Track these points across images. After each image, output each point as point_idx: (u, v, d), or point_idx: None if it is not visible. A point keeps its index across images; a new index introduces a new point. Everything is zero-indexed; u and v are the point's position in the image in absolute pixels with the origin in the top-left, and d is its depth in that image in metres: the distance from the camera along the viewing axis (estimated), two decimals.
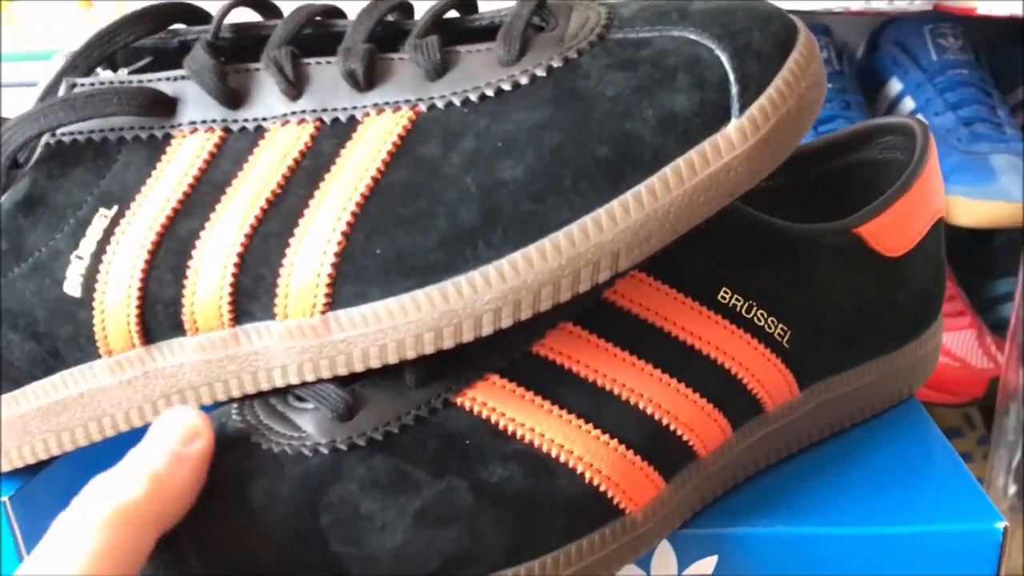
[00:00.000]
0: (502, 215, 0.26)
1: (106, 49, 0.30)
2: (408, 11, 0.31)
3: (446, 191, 0.26)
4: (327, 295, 0.26)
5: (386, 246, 0.26)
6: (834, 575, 0.32)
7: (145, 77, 0.28)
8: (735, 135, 0.26)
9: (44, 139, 0.29)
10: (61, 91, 0.29)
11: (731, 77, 0.26)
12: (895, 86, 0.81)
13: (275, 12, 0.32)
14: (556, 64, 0.27)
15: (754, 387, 0.32)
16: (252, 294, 0.27)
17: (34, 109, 0.28)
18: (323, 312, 0.26)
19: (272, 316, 0.27)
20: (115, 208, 0.28)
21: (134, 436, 0.31)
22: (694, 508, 0.32)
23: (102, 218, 0.28)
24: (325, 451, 0.27)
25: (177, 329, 0.28)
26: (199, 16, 0.32)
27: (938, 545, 0.31)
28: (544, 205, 0.26)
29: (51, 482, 0.35)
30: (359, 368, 0.27)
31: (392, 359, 0.27)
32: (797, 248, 0.33)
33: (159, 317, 0.28)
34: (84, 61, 0.30)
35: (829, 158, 0.40)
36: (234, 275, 0.27)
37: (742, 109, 0.26)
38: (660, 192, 0.26)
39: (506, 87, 0.27)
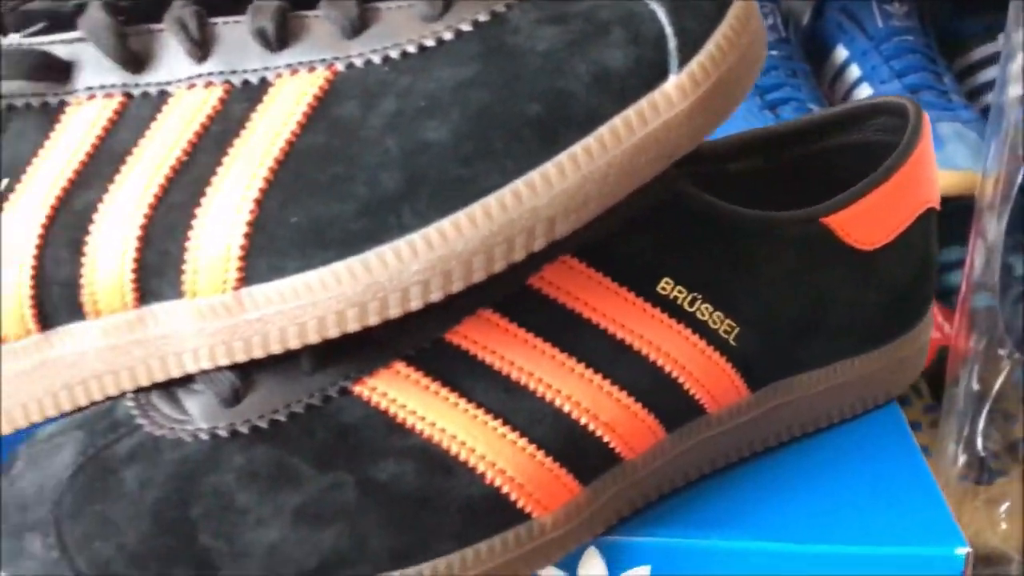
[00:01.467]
0: (427, 180, 0.24)
1: None
2: None
3: (366, 155, 0.24)
4: (239, 269, 0.25)
5: (302, 215, 0.24)
6: None
7: (36, 40, 0.27)
8: (674, 92, 0.25)
9: None
10: None
11: (668, 32, 0.25)
12: (841, 53, 0.79)
13: None
14: (483, 18, 0.25)
15: (692, 387, 0.29)
16: (158, 271, 0.26)
17: None
18: (235, 288, 0.25)
19: (180, 295, 0.25)
20: (4, 182, 0.26)
21: (24, 434, 0.29)
22: (620, 514, 0.29)
23: None
24: (205, 437, 0.26)
25: (76, 313, 0.26)
26: None
27: (889, 567, 0.29)
28: (472, 169, 0.24)
29: None
30: (276, 349, 0.25)
31: (313, 338, 0.25)
32: (754, 237, 0.30)
33: (55, 299, 0.26)
34: None
35: (813, 139, 0.37)
36: (137, 250, 0.25)
37: (681, 65, 0.25)
38: (597, 153, 0.24)
39: (429, 43, 0.25)
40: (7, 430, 0.29)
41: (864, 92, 0.77)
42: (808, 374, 0.32)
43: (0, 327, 0.27)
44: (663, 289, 0.29)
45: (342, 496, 0.25)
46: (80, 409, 0.28)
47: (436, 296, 0.25)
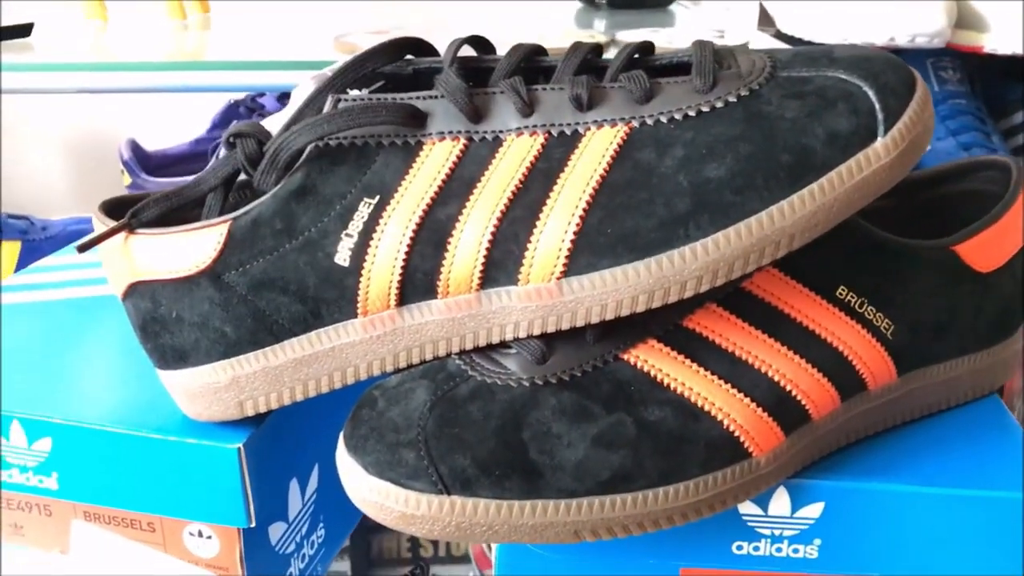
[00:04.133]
0: (708, 204, 0.34)
1: (359, 72, 0.39)
2: (598, 51, 0.40)
3: (663, 186, 0.34)
4: (564, 264, 0.35)
5: (615, 227, 0.34)
6: (918, 527, 0.39)
7: (400, 95, 0.37)
8: (881, 149, 0.35)
9: (314, 143, 0.37)
10: (328, 105, 0.38)
11: (877, 107, 0.35)
12: None
13: (490, 48, 0.41)
14: (743, 93, 0.35)
15: (861, 368, 0.39)
16: (500, 264, 0.35)
17: (312, 119, 0.37)
18: (559, 278, 0.35)
19: (515, 282, 0.35)
20: (377, 198, 0.36)
21: (359, 387, 0.39)
22: (805, 462, 0.39)
23: (366, 205, 0.36)
24: (526, 384, 0.35)
25: (429, 293, 0.36)
26: (426, 50, 0.41)
27: (1005, 509, 0.38)
28: (741, 197, 0.34)
29: (277, 431, 0.42)
30: (580, 323, 0.35)
31: (609, 316, 0.35)
32: (902, 258, 0.40)
33: (416, 283, 0.36)
34: (341, 81, 0.39)
35: (933, 186, 0.47)
36: (487, 249, 0.35)
37: (886, 131, 0.35)
38: (828, 190, 0.34)
39: (705, 109, 0.35)
40: (350, 382, 0.39)
41: None
42: (939, 365, 0.42)
43: (368, 303, 0.37)
44: (840, 293, 0.38)
45: (625, 430, 0.35)
46: (412, 366, 0.38)
47: (704, 288, 0.35)
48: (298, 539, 0.48)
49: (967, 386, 0.43)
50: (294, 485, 0.47)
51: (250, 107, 0.88)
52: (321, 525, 0.50)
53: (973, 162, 0.47)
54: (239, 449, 0.40)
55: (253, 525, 0.42)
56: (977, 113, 0.87)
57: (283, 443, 0.44)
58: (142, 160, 0.88)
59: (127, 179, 0.87)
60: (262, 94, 0.89)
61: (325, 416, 0.45)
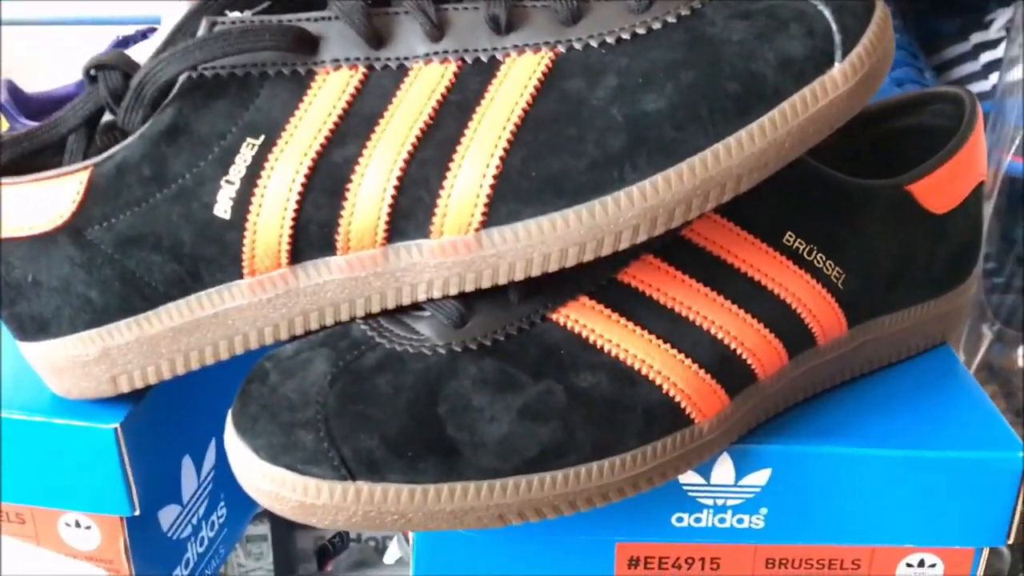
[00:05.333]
0: (646, 141, 0.29)
1: None
2: None
3: (594, 121, 0.30)
4: (483, 213, 0.30)
5: (540, 169, 0.30)
6: (870, 492, 0.36)
7: (287, 17, 0.31)
8: (839, 76, 0.31)
9: (186, 74, 0.31)
10: (202, 29, 0.32)
11: (834, 28, 0.31)
12: None
13: None
14: (684, 12, 0.31)
15: (810, 322, 0.35)
16: (408, 214, 0.31)
17: (182, 45, 0.32)
18: (477, 229, 0.30)
19: (426, 234, 0.31)
20: (262, 137, 0.31)
21: (247, 358, 0.34)
22: (750, 425, 0.36)
23: (249, 146, 0.31)
24: (442, 351, 0.31)
25: (327, 248, 0.31)
26: None
27: (962, 470, 0.35)
28: (684, 133, 0.29)
29: (161, 406, 0.38)
30: (502, 281, 0.31)
31: (535, 272, 0.30)
32: (855, 200, 0.36)
33: (311, 237, 0.31)
34: (217, 2, 0.33)
35: (881, 121, 0.43)
36: (393, 196, 0.30)
37: (844, 55, 0.31)
38: (779, 123, 0.30)
39: (640, 31, 0.31)
40: (238, 351, 0.34)
41: None
42: (892, 315, 0.39)
43: (255, 261, 0.32)
44: (787, 240, 0.35)
45: (554, 400, 0.31)
46: (309, 333, 0.33)
47: (641, 239, 0.30)
48: (195, 521, 0.43)
49: (920, 337, 0.40)
50: (187, 464, 0.42)
51: (142, 42, 0.81)
52: (222, 504, 0.46)
53: (922, 95, 0.43)
54: (115, 429, 0.35)
55: (137, 512, 0.37)
56: (909, 48, 0.85)
57: (170, 419, 0.39)
58: (21, 103, 0.80)
59: (4, 124, 0.79)
60: (155, 28, 0.82)
61: (222, 385, 0.39)
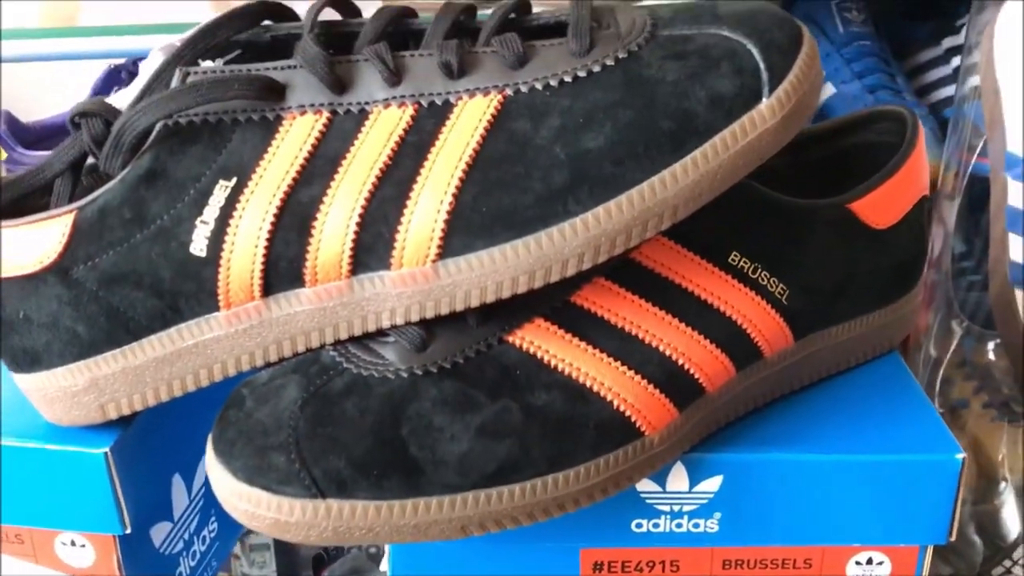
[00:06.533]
0: (588, 176, 0.32)
1: (210, 42, 0.35)
2: (472, 11, 0.37)
3: (539, 159, 0.32)
4: (439, 246, 0.32)
5: (491, 205, 0.32)
6: (818, 495, 0.38)
7: (255, 66, 0.34)
8: (767, 111, 0.33)
9: (162, 121, 0.33)
10: (175, 80, 0.34)
11: (761, 66, 0.33)
12: None
13: (355, 11, 0.38)
14: (621, 55, 0.33)
15: (756, 336, 0.37)
16: (370, 248, 0.33)
17: (158, 96, 0.34)
18: (434, 261, 0.32)
19: (387, 266, 0.33)
20: (234, 179, 0.33)
21: (231, 381, 0.36)
22: (702, 435, 0.38)
23: (223, 188, 0.33)
24: (404, 375, 0.33)
25: (296, 281, 0.34)
26: (286, 15, 0.38)
27: (904, 473, 0.37)
28: (622, 167, 0.32)
29: (150, 430, 0.40)
30: (459, 308, 0.33)
31: (490, 299, 0.33)
32: (797, 219, 0.38)
33: (281, 272, 0.33)
34: (190, 52, 0.35)
35: (829, 140, 0.46)
36: (356, 232, 0.32)
37: (771, 91, 0.33)
38: (711, 156, 0.32)
39: (581, 74, 0.33)
40: (217, 379, 0.36)
41: (828, 91, 0.86)
42: (837, 326, 0.41)
43: (229, 295, 0.34)
44: (732, 260, 0.37)
45: (510, 418, 0.33)
46: (283, 360, 0.36)
47: (586, 266, 0.33)
48: (186, 537, 0.45)
49: (866, 345, 0.42)
50: (178, 482, 0.44)
51: (132, 71, 0.83)
52: (213, 519, 0.48)
53: (868, 113, 0.45)
54: (106, 454, 0.38)
55: (128, 531, 0.39)
56: (882, 54, 0.86)
57: (159, 441, 0.42)
58: (18, 133, 0.83)
59: (2, 154, 0.81)
60: (144, 58, 0.84)
61: (209, 406, 0.42)
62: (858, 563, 0.39)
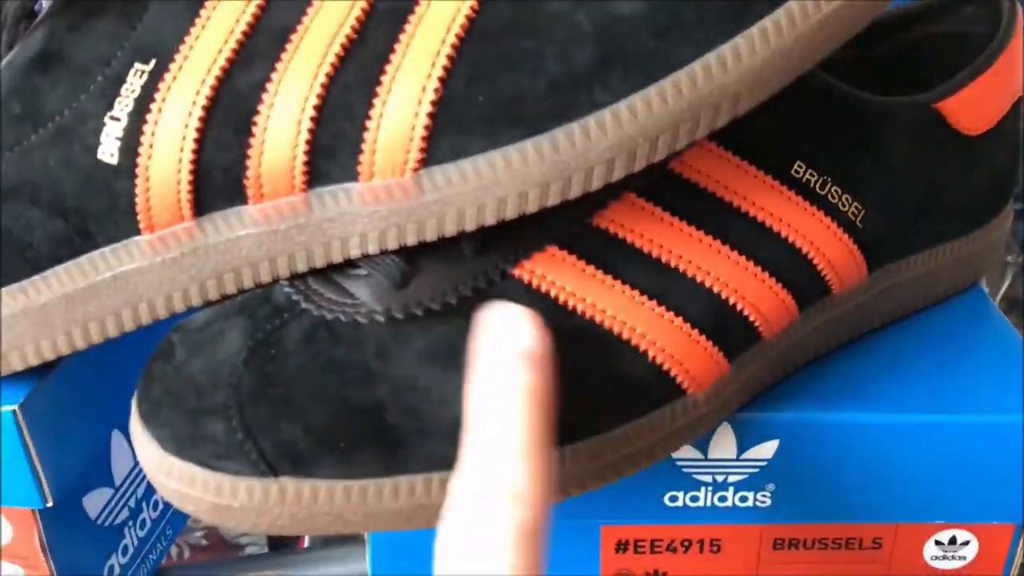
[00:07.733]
0: (621, 54, 0.24)
1: None
2: None
3: (556, 29, 0.24)
4: (421, 150, 0.24)
5: (490, 92, 0.24)
6: (892, 463, 0.31)
7: None
8: None
9: None
10: None
11: None
12: None
13: None
14: None
15: (824, 268, 0.30)
16: (331, 152, 0.25)
17: None
18: (415, 170, 0.25)
19: (354, 177, 0.25)
20: (153, 62, 0.26)
21: (162, 325, 0.29)
22: (754, 391, 0.30)
23: (138, 74, 0.26)
24: (381, 319, 0.26)
25: (237, 197, 0.26)
26: None
27: (998, 435, 0.30)
28: (666, 42, 0.24)
29: (75, 379, 0.33)
30: (451, 232, 0.25)
31: (490, 220, 0.25)
32: (875, 122, 0.31)
33: (216, 184, 0.26)
34: None
35: (904, 29, 0.37)
36: (311, 131, 0.25)
37: None
38: (786, 27, 0.24)
39: None
40: (145, 321, 0.29)
41: None
42: (917, 256, 0.33)
43: (151, 214, 0.26)
44: (796, 172, 0.29)
45: None
46: (226, 298, 0.28)
47: (618, 176, 0.25)
48: (132, 504, 0.39)
49: (948, 280, 0.35)
50: (118, 440, 0.37)
51: None
52: None
53: None
54: (14, 412, 0.30)
55: (50, 504, 0.32)
56: None
57: (89, 394, 0.34)
58: None
59: None
60: None
61: (117, 358, 0.34)
62: (938, 543, 0.33)
